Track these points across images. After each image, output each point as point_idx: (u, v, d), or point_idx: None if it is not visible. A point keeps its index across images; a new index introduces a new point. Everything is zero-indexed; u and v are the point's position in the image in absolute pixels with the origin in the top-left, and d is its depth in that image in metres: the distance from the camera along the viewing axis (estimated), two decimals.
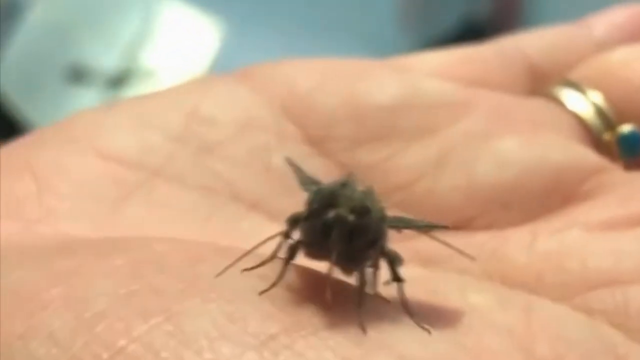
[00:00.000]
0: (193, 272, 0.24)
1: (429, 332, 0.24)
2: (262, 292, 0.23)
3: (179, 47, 1.14)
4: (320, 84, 0.34)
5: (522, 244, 0.31)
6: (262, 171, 0.32)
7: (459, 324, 0.25)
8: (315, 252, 0.24)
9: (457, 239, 0.31)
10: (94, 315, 0.22)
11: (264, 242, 0.24)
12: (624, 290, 0.28)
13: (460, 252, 0.28)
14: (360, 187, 0.24)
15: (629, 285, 0.28)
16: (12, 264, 0.24)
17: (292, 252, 0.24)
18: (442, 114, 0.34)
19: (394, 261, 0.24)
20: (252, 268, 0.24)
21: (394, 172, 0.33)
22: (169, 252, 0.25)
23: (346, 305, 0.23)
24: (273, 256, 0.24)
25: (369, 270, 0.25)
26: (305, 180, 0.26)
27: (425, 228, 0.26)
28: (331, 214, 0.23)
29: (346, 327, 0.23)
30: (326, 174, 0.32)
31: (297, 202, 0.30)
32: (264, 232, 0.29)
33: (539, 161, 0.33)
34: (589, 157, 0.34)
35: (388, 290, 0.26)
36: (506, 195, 0.32)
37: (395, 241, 0.30)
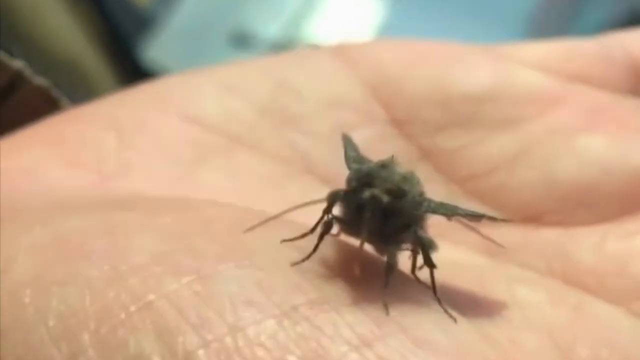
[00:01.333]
0: (234, 238, 0.25)
1: (455, 320, 0.24)
2: (294, 264, 0.24)
3: (343, 19, 1.15)
4: (411, 66, 0.34)
5: (590, 244, 0.31)
6: (338, 147, 0.33)
7: (496, 316, 0.26)
8: (349, 229, 0.24)
9: (525, 233, 0.31)
10: (129, 268, 0.23)
11: (292, 209, 0.24)
12: None
13: (492, 240, 0.28)
14: (401, 170, 0.25)
15: None
16: (71, 213, 0.26)
17: (326, 228, 0.24)
18: (530, 106, 0.33)
19: (426, 246, 0.24)
20: (292, 240, 0.25)
21: (472, 161, 0.33)
22: (218, 217, 0.26)
23: (376, 285, 0.24)
24: (313, 229, 0.25)
25: (404, 253, 0.25)
26: (353, 158, 0.26)
27: (471, 217, 0.26)
28: (366, 193, 0.24)
29: (370, 306, 0.23)
30: (406, 156, 0.33)
31: None
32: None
33: (621, 162, 0.32)
34: None
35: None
36: (582, 194, 0.32)
37: (467, 228, 0.30)
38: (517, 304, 0.26)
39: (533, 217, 0.32)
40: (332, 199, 0.24)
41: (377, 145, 0.33)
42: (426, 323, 0.23)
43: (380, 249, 0.24)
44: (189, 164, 0.31)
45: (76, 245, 0.24)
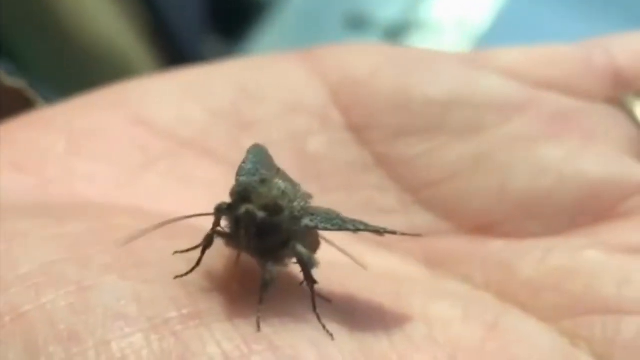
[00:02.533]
0: (130, 249, 0.25)
1: (332, 337, 0.24)
2: (177, 277, 0.24)
3: (461, 3, 1.13)
4: (374, 71, 0.34)
5: (533, 258, 0.30)
6: (294, 154, 0.33)
7: (394, 332, 0.25)
8: (231, 243, 0.25)
9: (471, 244, 0.30)
10: (14, 277, 0.24)
11: (171, 221, 0.25)
12: (618, 319, 0.27)
13: (352, 257, 0.28)
14: (282, 185, 0.25)
15: (626, 315, 0.27)
16: None
17: (207, 242, 0.25)
18: (493, 113, 0.33)
19: (305, 262, 0.24)
20: (184, 251, 0.25)
21: (428, 168, 0.32)
22: (126, 226, 0.26)
23: (256, 300, 0.24)
24: (204, 242, 0.25)
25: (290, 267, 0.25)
26: (246, 171, 0.26)
27: (371, 231, 0.26)
28: (242, 208, 0.24)
29: (243, 322, 0.23)
30: (359, 162, 0.33)
31: (324, 186, 0.31)
32: None
33: (577, 173, 0.32)
34: (639, 174, 0.32)
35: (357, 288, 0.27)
36: (534, 205, 0.31)
37: (415, 239, 0.30)
38: (427, 320, 0.26)
39: (483, 227, 0.31)
40: (216, 212, 0.24)
41: (330, 152, 0.33)
42: (299, 340, 0.24)
43: (260, 264, 0.24)
44: (134, 168, 0.31)
45: None
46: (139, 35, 0.55)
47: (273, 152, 0.32)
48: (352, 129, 0.33)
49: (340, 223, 0.25)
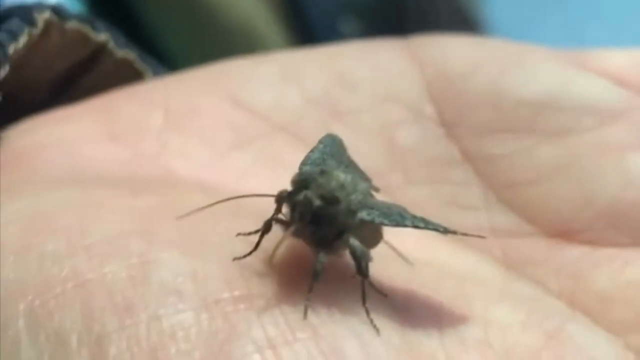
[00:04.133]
0: (198, 226, 0.26)
1: (378, 332, 0.24)
2: (235, 259, 0.25)
3: None
4: (472, 67, 0.34)
5: (611, 269, 0.30)
6: (383, 145, 0.33)
7: (447, 333, 0.26)
8: (288, 230, 0.25)
9: (551, 249, 0.30)
10: (82, 246, 0.25)
11: (229, 199, 0.26)
12: None
13: (400, 254, 0.28)
14: (342, 177, 0.25)
15: None
16: (69, 187, 0.28)
17: (266, 227, 0.25)
18: (587, 117, 0.32)
19: (358, 255, 0.25)
20: (246, 234, 0.26)
21: (515, 168, 0.32)
22: (199, 203, 0.27)
23: (322, 289, 0.25)
24: (263, 227, 0.26)
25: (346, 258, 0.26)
26: (312, 160, 0.27)
27: (429, 229, 0.26)
28: (300, 195, 0.24)
29: (292, 309, 0.24)
30: (449, 158, 0.33)
31: (410, 178, 0.31)
32: None
33: None
34: None
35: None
36: (618, 215, 0.31)
37: (496, 240, 0.30)
38: (486, 323, 0.26)
39: (565, 232, 0.31)
40: (277, 199, 0.25)
41: (419, 145, 0.33)
42: (344, 332, 0.24)
43: (313, 253, 0.25)
44: (226, 149, 0.32)
45: (48, 219, 0.26)
46: (274, 15, 0.55)
47: (363, 141, 0.33)
48: (443, 124, 0.33)
49: (398, 219, 0.25)
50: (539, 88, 0.33)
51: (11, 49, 0.31)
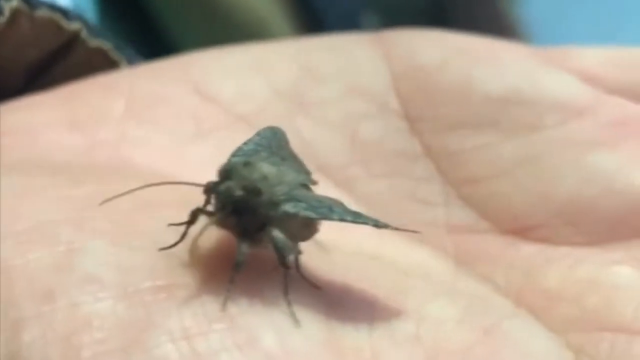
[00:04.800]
0: (132, 215, 0.26)
1: (298, 324, 0.24)
2: (160, 249, 0.25)
3: None
4: (441, 62, 0.33)
5: (562, 266, 0.29)
6: (344, 137, 0.33)
7: (376, 327, 0.25)
8: (213, 220, 0.25)
9: (505, 245, 0.30)
10: (11, 233, 0.25)
11: (152, 185, 0.25)
12: (630, 340, 0.26)
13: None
14: (267, 169, 0.25)
15: (639, 337, 0.26)
16: (18, 174, 0.28)
17: (192, 217, 0.25)
18: (552, 114, 0.32)
19: (280, 248, 0.24)
20: (178, 224, 0.26)
21: (476, 164, 0.32)
22: (142, 192, 0.27)
23: (246, 280, 0.25)
24: (189, 218, 0.26)
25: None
26: (242, 151, 0.27)
27: (354, 222, 0.26)
28: (222, 186, 0.24)
29: (213, 300, 0.24)
30: (411, 152, 0.32)
31: (370, 172, 0.31)
32: (318, 193, 0.30)
33: (627, 184, 0.30)
34: None
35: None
36: (576, 212, 0.30)
37: (450, 234, 0.30)
38: (420, 318, 0.26)
39: (520, 229, 0.30)
40: (205, 189, 0.25)
41: (382, 139, 0.33)
42: (263, 323, 0.24)
43: (237, 244, 0.25)
44: (185, 138, 0.32)
45: None
46: (288, 12, 0.55)
47: (326, 133, 0.32)
48: (407, 118, 0.33)
49: (325, 212, 0.25)
50: (505, 84, 0.32)
51: None
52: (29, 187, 0.27)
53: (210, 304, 0.24)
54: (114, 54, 0.36)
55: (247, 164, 0.25)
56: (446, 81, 0.33)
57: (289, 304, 0.24)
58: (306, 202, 0.25)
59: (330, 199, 0.26)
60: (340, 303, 0.25)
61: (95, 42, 0.36)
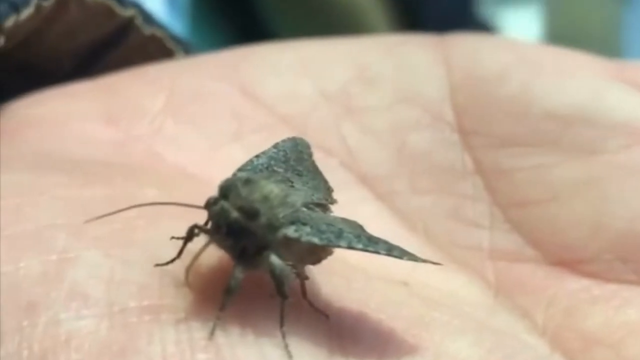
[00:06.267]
0: (134, 224, 0.25)
1: (290, 357, 0.22)
2: (156, 265, 0.24)
3: None
4: (502, 71, 0.31)
5: (607, 307, 0.27)
6: (392, 147, 0.31)
7: None
8: (210, 238, 0.23)
9: (550, 278, 0.28)
10: (5, 236, 0.24)
11: (143, 205, 0.24)
12: None
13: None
14: (269, 188, 0.23)
15: None
16: (20, 170, 0.27)
17: (188, 234, 0.24)
18: (616, 137, 0.29)
19: (277, 275, 0.23)
20: (179, 238, 0.24)
21: (527, 186, 0.29)
22: (152, 199, 0.26)
23: (241, 307, 0.23)
24: (186, 234, 0.24)
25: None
26: (248, 165, 0.25)
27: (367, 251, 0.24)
28: (217, 206, 0.23)
29: (201, 326, 0.22)
30: (460, 168, 0.30)
31: (415, 186, 0.29)
32: (358, 208, 0.28)
33: None
34: None
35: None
36: (631, 248, 0.28)
37: (495, 258, 0.28)
38: (436, 356, 0.24)
39: (569, 261, 0.28)
40: (205, 205, 0.23)
41: (431, 151, 0.30)
42: (251, 356, 0.22)
43: (233, 267, 0.23)
44: (223, 138, 0.31)
45: None
46: (388, 5, 0.53)
47: (371, 142, 0.30)
48: (460, 131, 0.30)
49: (331, 238, 0.23)
50: (568, 100, 0.30)
51: (10, 21, 0.30)
52: (39, 185, 0.26)
53: (197, 331, 0.22)
54: (170, 43, 0.35)
55: (247, 182, 0.23)
56: (505, 93, 0.30)
57: (284, 335, 0.22)
58: (312, 226, 0.23)
59: (345, 222, 0.24)
60: (350, 335, 0.24)
61: (150, 30, 0.35)
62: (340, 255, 0.24)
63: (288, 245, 0.23)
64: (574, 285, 0.28)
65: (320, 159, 0.30)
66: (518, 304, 0.27)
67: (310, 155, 0.27)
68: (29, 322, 0.22)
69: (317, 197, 0.25)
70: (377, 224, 0.28)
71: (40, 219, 0.25)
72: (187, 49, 0.35)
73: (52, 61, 0.34)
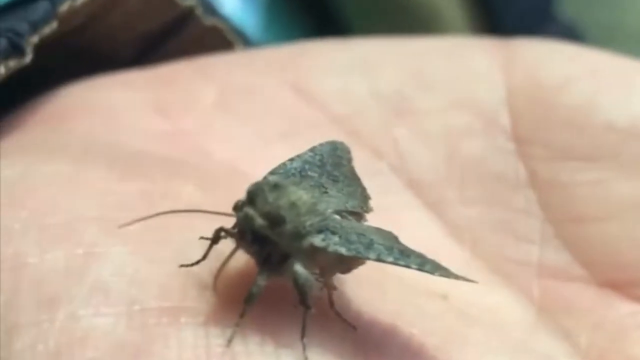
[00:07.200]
0: (166, 222, 0.24)
1: None
2: (181, 265, 0.23)
3: None
4: (565, 80, 0.29)
5: None
6: (442, 153, 0.30)
7: None
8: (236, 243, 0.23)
9: (598, 298, 0.26)
10: (37, 227, 0.24)
11: (167, 212, 0.23)
12: None
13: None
14: (299, 194, 0.22)
15: None
16: (62, 161, 0.27)
17: (214, 236, 0.23)
18: None
19: (300, 284, 0.22)
20: (208, 238, 0.24)
21: (583, 201, 0.28)
22: (186, 195, 0.25)
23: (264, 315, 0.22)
24: (215, 236, 0.23)
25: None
26: (280, 169, 0.24)
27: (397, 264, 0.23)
28: (242, 212, 0.22)
29: (219, 332, 0.22)
30: (514, 178, 0.29)
31: (465, 195, 0.28)
32: (402, 214, 0.28)
33: None
34: None
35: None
36: None
37: (542, 276, 0.27)
38: None
39: (618, 283, 0.27)
40: (233, 209, 0.23)
41: (484, 159, 0.29)
42: None
43: (257, 273, 0.22)
44: (272, 135, 0.30)
45: (23, 192, 0.25)
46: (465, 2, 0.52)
47: (422, 147, 0.29)
48: (516, 139, 0.29)
49: (359, 249, 0.22)
50: (632, 113, 0.28)
51: (65, 5, 0.30)
52: (78, 177, 0.26)
53: (215, 337, 0.22)
54: (230, 35, 0.34)
55: (275, 187, 0.22)
56: (567, 103, 0.29)
57: (304, 347, 0.22)
58: (341, 235, 0.22)
59: (378, 232, 0.23)
60: (376, 349, 0.23)
61: (210, 21, 0.34)
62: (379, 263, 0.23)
63: (314, 254, 0.22)
64: (623, 308, 0.26)
65: (369, 161, 0.29)
66: (561, 324, 0.26)
67: (349, 160, 0.26)
68: (47, 316, 0.22)
69: (351, 204, 0.24)
70: (422, 232, 0.27)
71: (73, 211, 0.24)
72: (247, 41, 0.35)
73: (110, 48, 0.34)
